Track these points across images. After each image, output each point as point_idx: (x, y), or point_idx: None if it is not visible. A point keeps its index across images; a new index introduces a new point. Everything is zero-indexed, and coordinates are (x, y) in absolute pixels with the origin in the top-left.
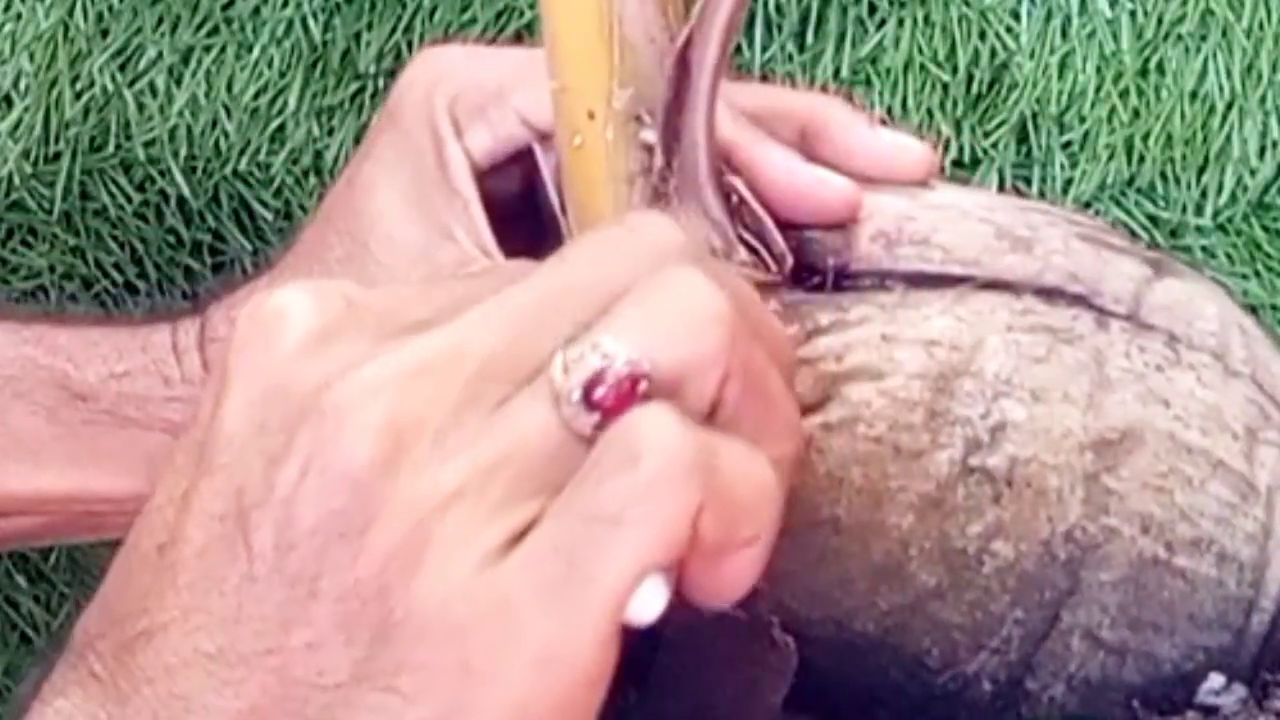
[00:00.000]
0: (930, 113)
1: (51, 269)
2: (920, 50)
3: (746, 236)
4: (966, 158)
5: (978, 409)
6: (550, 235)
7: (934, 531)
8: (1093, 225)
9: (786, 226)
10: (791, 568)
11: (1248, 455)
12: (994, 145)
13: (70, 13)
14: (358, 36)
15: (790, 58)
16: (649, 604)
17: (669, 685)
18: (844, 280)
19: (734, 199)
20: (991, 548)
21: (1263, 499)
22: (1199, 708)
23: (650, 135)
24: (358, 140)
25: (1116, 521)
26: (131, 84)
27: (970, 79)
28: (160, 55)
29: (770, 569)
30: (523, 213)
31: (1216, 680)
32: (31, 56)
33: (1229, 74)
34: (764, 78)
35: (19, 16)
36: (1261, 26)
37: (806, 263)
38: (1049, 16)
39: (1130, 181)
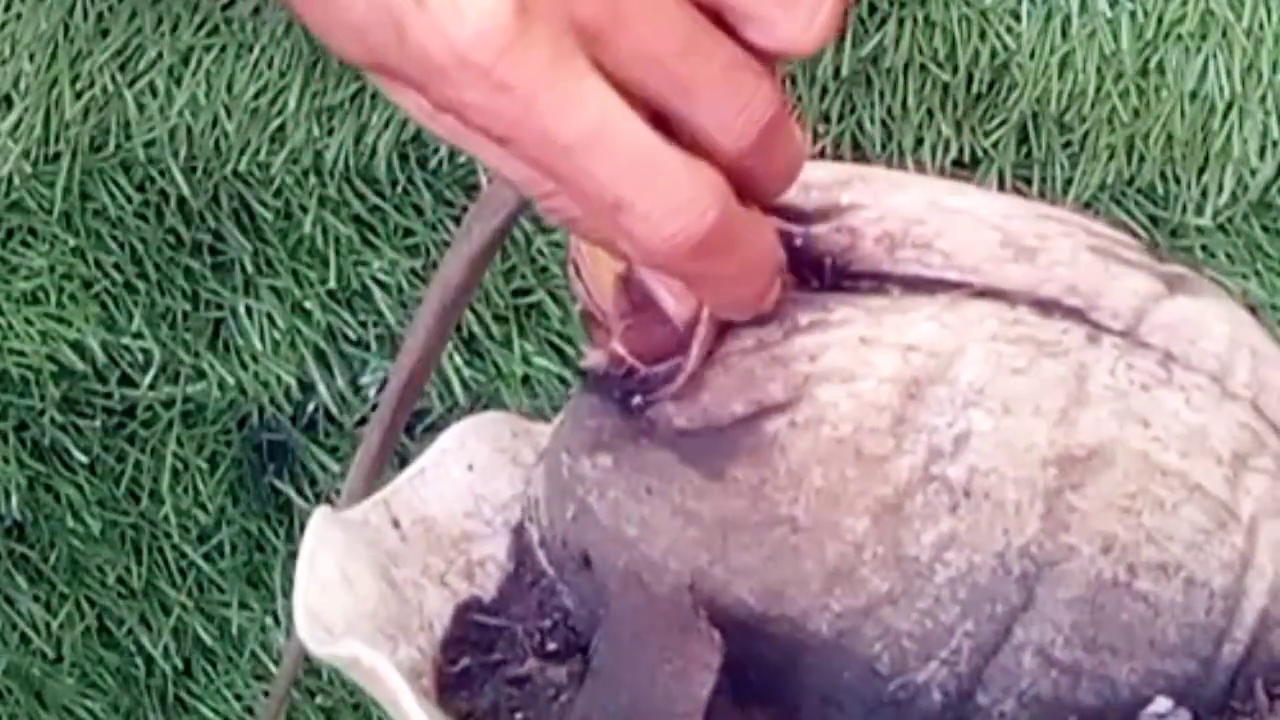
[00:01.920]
0: (930, 113)
1: (51, 269)
2: (920, 50)
3: None
4: (967, 158)
5: (945, 417)
6: None
7: (889, 537)
8: (1111, 238)
9: (791, 221)
10: (749, 562)
11: (1231, 481)
12: (995, 145)
13: (70, 13)
14: None
15: None
16: None
17: (607, 673)
18: (844, 280)
19: None
20: (945, 557)
21: (1244, 527)
22: None
23: None
24: (358, 140)
25: (1076, 539)
26: (131, 84)
27: (970, 79)
28: (160, 55)
29: (727, 561)
30: None
31: (1162, 704)
32: (31, 56)
33: (1229, 74)
34: None
35: (19, 16)
36: (1261, 26)
37: (810, 261)
38: (1049, 16)
39: (1130, 181)
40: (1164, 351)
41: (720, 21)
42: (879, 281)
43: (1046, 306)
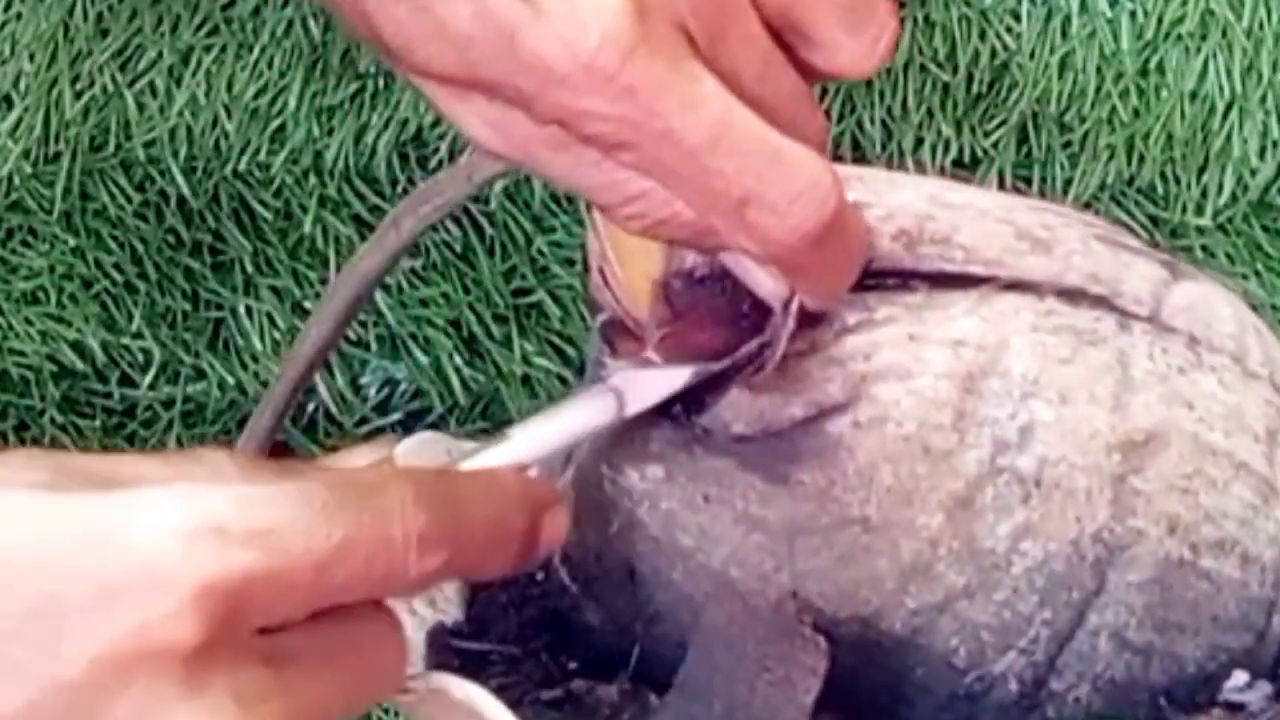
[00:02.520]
0: (930, 113)
1: (51, 269)
2: (920, 50)
3: None
4: (967, 158)
5: (1006, 409)
6: None
7: (963, 531)
8: (1105, 227)
9: None
10: (820, 566)
11: (1269, 457)
12: (994, 145)
13: (70, 13)
14: None
15: None
16: None
17: (698, 689)
18: (867, 279)
19: None
20: (1020, 548)
21: None
22: (1224, 705)
23: None
24: (358, 140)
25: (1143, 523)
26: (131, 84)
27: (970, 79)
28: (160, 55)
29: (796, 568)
30: None
31: (1240, 677)
32: (31, 56)
33: (1229, 74)
34: None
35: (19, 16)
36: (1261, 26)
37: None
38: (1049, 16)
39: (1130, 181)
40: (1189, 335)
41: (778, 40)
42: (903, 279)
43: (1073, 296)
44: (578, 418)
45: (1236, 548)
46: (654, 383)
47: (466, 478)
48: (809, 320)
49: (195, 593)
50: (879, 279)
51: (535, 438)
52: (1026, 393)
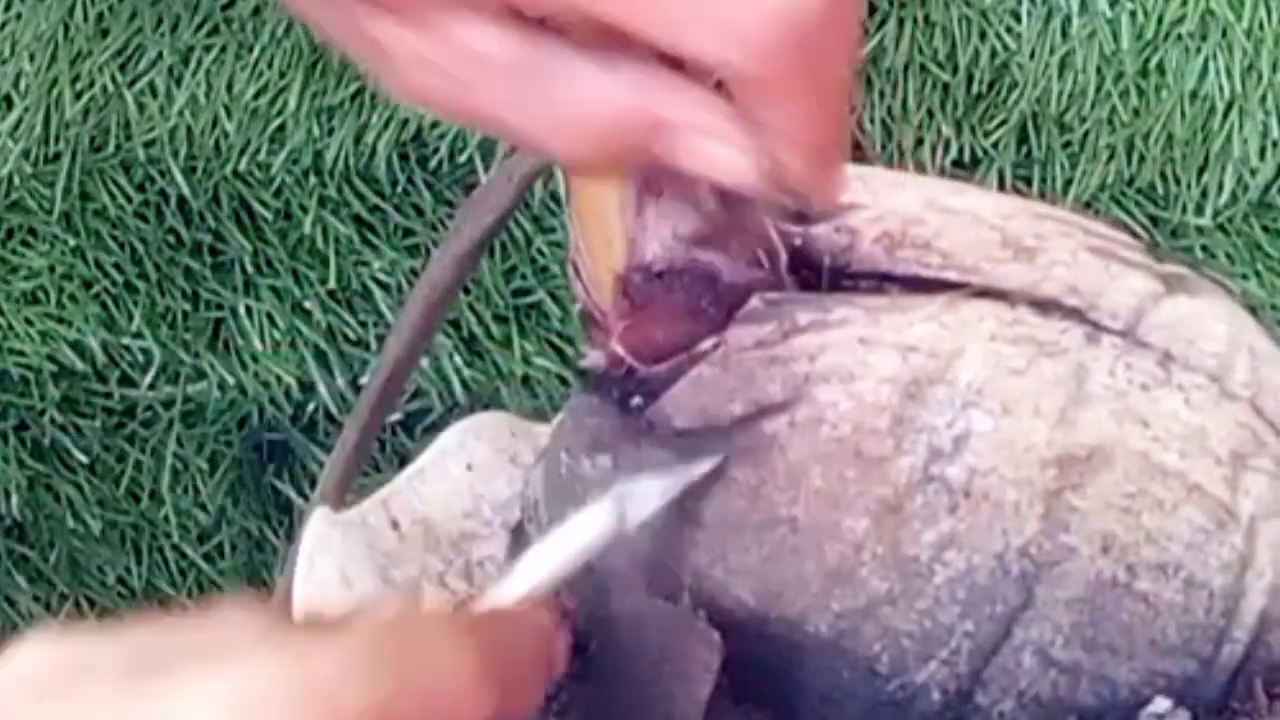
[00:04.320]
0: (930, 113)
1: (51, 269)
2: (920, 50)
3: (740, 233)
4: (967, 158)
5: (945, 417)
6: None
7: (888, 537)
8: (1110, 238)
9: (790, 221)
10: (749, 563)
11: (1230, 481)
12: (995, 145)
13: (70, 13)
14: None
15: None
16: None
17: (604, 674)
18: (844, 280)
19: (730, 195)
20: (944, 557)
21: (1243, 527)
22: None
23: None
24: (358, 140)
25: (1076, 540)
26: (131, 84)
27: (970, 79)
28: (160, 55)
29: (727, 562)
30: None
31: (1161, 704)
32: (31, 57)
33: (1229, 74)
34: None
35: (19, 16)
36: (1261, 26)
37: (809, 261)
38: (1049, 16)
39: (1130, 182)
40: (1163, 351)
41: None
42: (878, 281)
43: (1045, 306)
44: (584, 537)
45: (1181, 572)
46: (650, 490)
47: (505, 619)
48: (755, 316)
49: None
50: (854, 281)
51: (547, 563)
52: (968, 402)
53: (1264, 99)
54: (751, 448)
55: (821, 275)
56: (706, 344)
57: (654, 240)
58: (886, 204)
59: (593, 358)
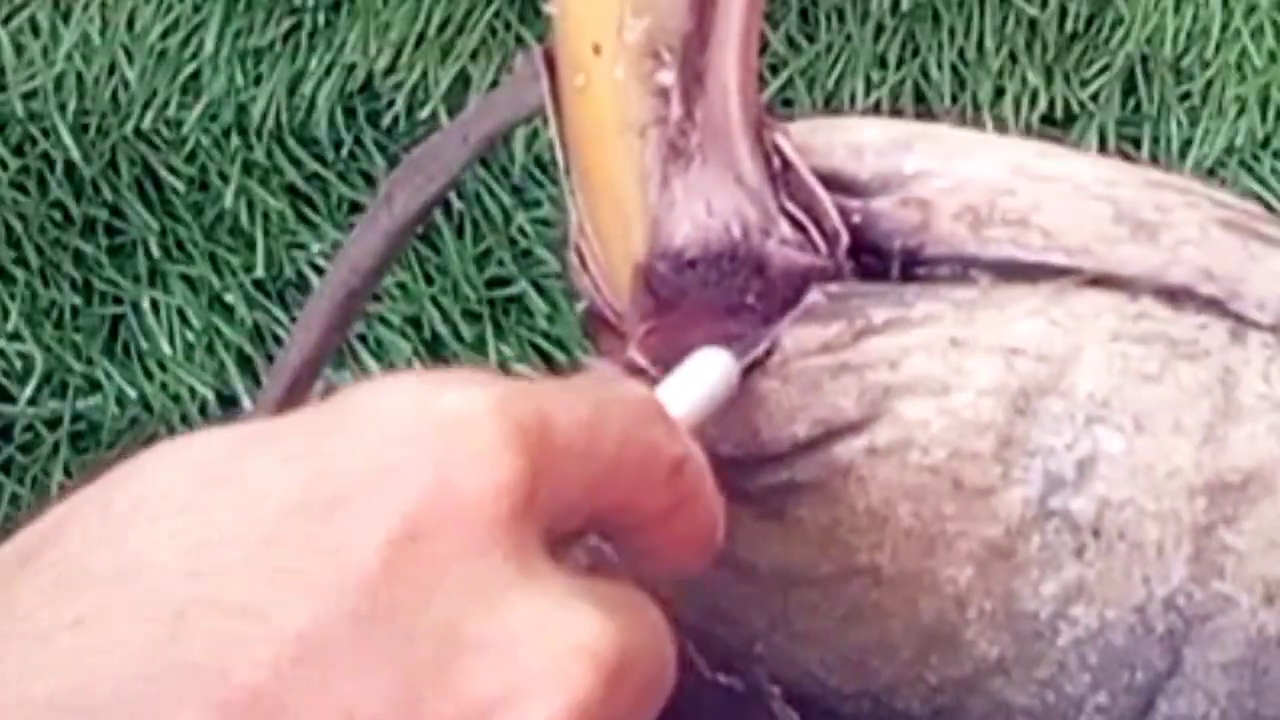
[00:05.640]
0: (1013, 56)
1: None
2: None
3: (791, 208)
4: (1059, 113)
5: (1064, 437)
6: None
7: (999, 589)
8: (1245, 211)
9: (844, 193)
10: (820, 626)
11: None
12: (1093, 97)
13: None
14: None
15: None
16: None
17: None
18: (917, 267)
19: (776, 160)
20: (1070, 613)
21: None
22: None
23: (668, 76)
24: (292, 91)
25: (1232, 588)
26: (7, 20)
27: (1064, 14)
28: None
29: (793, 627)
30: None
31: None
32: None
33: None
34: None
35: None
36: None
37: (871, 243)
38: None
39: (1265, 143)
40: None
41: None
42: (962, 267)
43: (1177, 296)
44: None
45: None
46: None
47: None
48: (823, 314)
49: (505, 429)
50: (931, 267)
51: None
52: (1093, 417)
53: None
54: (819, 480)
55: (890, 261)
56: (758, 349)
57: (684, 219)
58: (962, 171)
59: (600, 369)
